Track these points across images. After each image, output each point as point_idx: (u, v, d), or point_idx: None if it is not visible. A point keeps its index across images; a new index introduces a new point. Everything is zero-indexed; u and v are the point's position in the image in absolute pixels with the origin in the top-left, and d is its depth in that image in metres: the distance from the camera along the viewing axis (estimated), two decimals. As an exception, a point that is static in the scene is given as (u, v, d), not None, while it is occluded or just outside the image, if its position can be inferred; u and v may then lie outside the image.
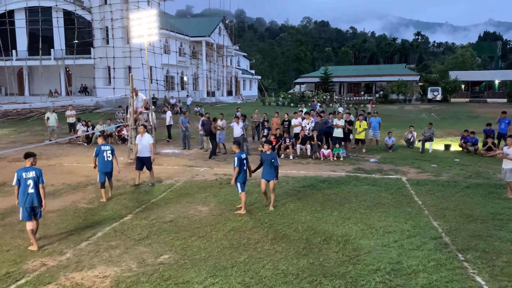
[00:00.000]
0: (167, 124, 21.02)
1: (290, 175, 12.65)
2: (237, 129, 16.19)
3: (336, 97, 54.93)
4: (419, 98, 55.54)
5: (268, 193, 9.36)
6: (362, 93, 58.84)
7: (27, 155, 7.28)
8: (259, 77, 78.61)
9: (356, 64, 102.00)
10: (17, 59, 45.46)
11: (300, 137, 16.23)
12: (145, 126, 12.41)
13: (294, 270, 6.12)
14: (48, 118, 20.18)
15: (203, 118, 18.11)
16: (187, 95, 45.22)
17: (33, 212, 7.15)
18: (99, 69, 42.81)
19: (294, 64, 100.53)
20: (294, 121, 17.40)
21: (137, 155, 11.53)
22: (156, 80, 40.70)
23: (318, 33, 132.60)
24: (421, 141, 17.35)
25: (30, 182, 7.04)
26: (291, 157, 15.66)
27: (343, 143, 16.24)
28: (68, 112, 22.02)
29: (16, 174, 7.09)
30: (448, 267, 6.20)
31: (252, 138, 20.21)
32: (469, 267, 6.22)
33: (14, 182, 7.05)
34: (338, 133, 15.96)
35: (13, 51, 45.37)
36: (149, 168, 11.58)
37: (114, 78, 41.71)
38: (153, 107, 17.25)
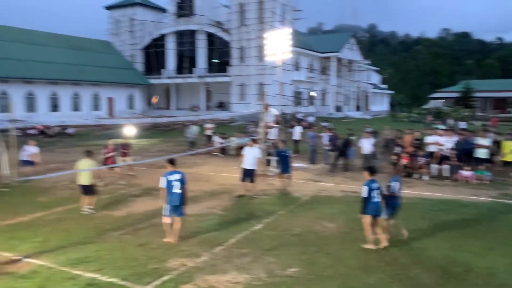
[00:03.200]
0: (295, 138, 21.45)
1: (424, 196, 11.82)
2: (367, 146, 15.74)
3: (479, 113, 49.83)
4: None
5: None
6: (510, 110, 52.33)
7: (173, 161, 8.31)
8: (391, 91, 75.50)
9: (504, 78, 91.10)
10: (166, 78, 51.25)
11: (436, 156, 15.11)
12: (255, 140, 12.79)
13: (429, 300, 5.70)
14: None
15: (329, 133, 18.11)
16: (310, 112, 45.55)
17: (174, 211, 8.11)
18: (234, 86, 45.89)
19: (430, 78, 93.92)
20: (428, 139, 16.30)
21: (243, 166, 11.82)
22: (286, 95, 41.93)
23: (458, 45, 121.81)
24: None
25: (176, 183, 7.98)
26: (425, 177, 14.64)
27: (487, 164, 14.63)
28: (207, 125, 24.05)
29: (163, 177, 8.07)
30: None
31: (382, 155, 19.41)
32: None
33: (162, 184, 8.04)
34: (481, 153, 14.44)
35: (163, 70, 51.30)
36: (251, 181, 11.78)
37: (247, 94, 44.26)
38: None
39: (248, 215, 10.02)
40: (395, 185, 7.99)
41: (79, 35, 51.75)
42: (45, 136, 30.52)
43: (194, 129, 22.77)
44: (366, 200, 7.70)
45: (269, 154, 15.70)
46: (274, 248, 7.73)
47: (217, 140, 22.18)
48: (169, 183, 8.00)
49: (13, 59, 39.67)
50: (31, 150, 14.29)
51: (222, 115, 37.73)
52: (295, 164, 18.06)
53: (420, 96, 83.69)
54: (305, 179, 14.62)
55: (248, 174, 11.79)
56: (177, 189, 7.99)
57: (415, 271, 6.68)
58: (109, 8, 56.11)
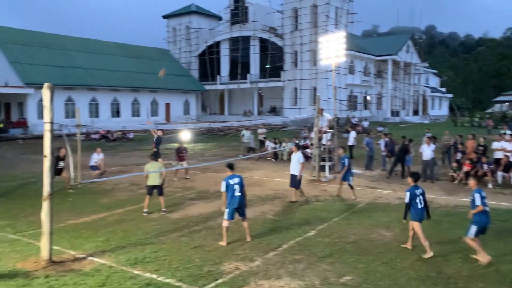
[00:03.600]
0: (350, 144, 21.02)
1: (490, 206, 11.10)
2: (427, 152, 15.09)
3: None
4: None
5: None
6: None
7: (232, 166, 8.55)
8: (451, 95, 72.12)
9: None
10: (220, 83, 52.27)
11: (502, 163, 14.21)
12: (299, 146, 12.81)
13: (496, 317, 5.33)
14: (243, 135, 22.55)
15: (386, 138, 17.62)
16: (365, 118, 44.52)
17: (237, 213, 8.36)
18: (287, 91, 45.86)
19: (494, 80, 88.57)
20: (495, 145, 15.39)
21: (290, 172, 11.94)
22: (339, 100, 41.33)
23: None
24: None
25: (237, 187, 8.21)
26: (490, 185, 13.81)
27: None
28: (259, 130, 24.21)
29: (224, 182, 8.26)
30: None
31: (442, 161, 18.57)
32: None
33: (223, 188, 8.22)
34: (554, 161, 13.41)
35: (217, 76, 52.34)
36: (296, 187, 11.74)
37: (300, 99, 44.06)
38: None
39: (301, 221, 9.93)
40: (477, 197, 7.30)
41: (139, 44, 54.23)
42: (107, 140, 32.14)
43: (249, 134, 22.93)
44: (409, 206, 7.75)
45: (323, 160, 15.50)
46: (328, 255, 7.60)
47: (269, 145, 22.25)
48: (231, 187, 8.20)
49: (79, 68, 42.26)
50: (98, 157, 15.44)
51: (274, 120, 37.85)
52: (350, 170, 17.73)
53: (482, 99, 79.32)
54: (360, 186, 14.26)
55: (293, 180, 11.84)
56: (237, 192, 8.20)
57: (479, 285, 6.29)
58: (166, 17, 58.28)
